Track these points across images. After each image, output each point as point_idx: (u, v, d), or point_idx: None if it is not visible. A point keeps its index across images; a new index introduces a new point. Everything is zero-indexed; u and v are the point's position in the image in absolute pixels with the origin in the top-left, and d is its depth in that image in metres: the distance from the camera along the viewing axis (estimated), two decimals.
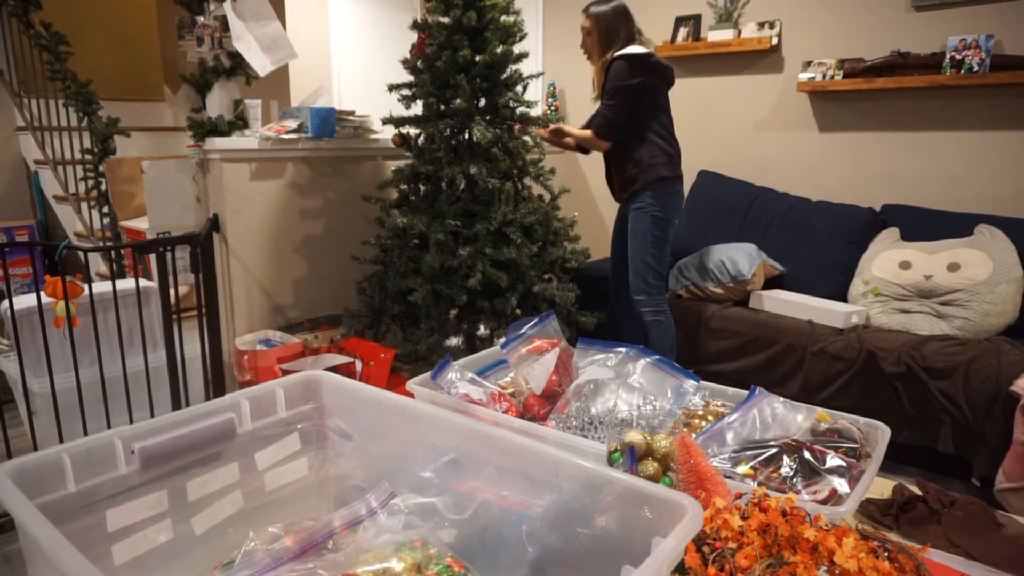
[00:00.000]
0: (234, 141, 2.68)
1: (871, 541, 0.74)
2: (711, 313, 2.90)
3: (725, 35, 3.45)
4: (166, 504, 0.80)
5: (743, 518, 0.75)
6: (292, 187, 2.92)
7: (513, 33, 2.67)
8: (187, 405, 1.85)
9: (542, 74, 3.07)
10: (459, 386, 1.14)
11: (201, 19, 2.66)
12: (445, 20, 2.63)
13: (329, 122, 2.83)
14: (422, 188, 2.83)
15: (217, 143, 2.65)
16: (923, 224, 2.84)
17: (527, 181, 2.88)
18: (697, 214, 3.43)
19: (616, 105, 2.61)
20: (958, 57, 2.80)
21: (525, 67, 2.75)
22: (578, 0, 4.07)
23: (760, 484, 0.94)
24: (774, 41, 3.34)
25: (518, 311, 2.68)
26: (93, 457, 0.77)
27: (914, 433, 2.40)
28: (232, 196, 2.72)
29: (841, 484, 0.93)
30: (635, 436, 0.90)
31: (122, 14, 4.65)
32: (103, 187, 3.09)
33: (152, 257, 2.20)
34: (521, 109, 2.75)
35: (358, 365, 2.59)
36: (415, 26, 2.76)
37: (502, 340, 1.24)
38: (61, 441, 2.06)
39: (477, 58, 2.61)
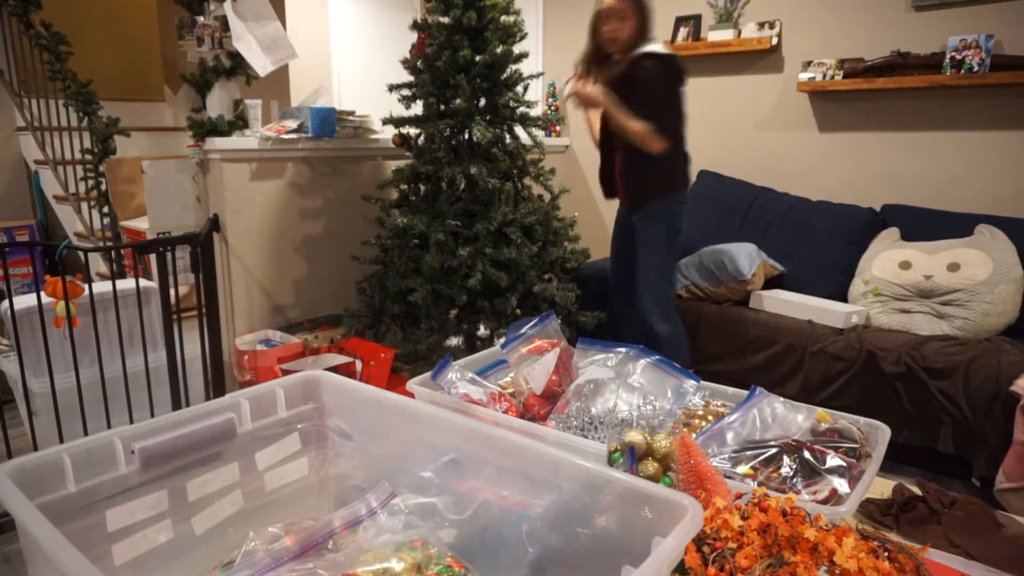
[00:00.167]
0: (234, 141, 2.68)
1: (871, 541, 0.74)
2: (711, 313, 2.90)
3: (725, 35, 3.45)
4: (166, 504, 0.80)
5: (743, 518, 0.75)
6: (292, 187, 2.92)
7: (513, 33, 2.67)
8: (187, 405, 1.85)
9: (542, 74, 3.07)
10: (459, 386, 1.14)
11: (201, 19, 2.66)
12: (445, 20, 2.63)
13: (329, 122, 2.83)
14: (422, 188, 2.83)
15: (217, 143, 2.65)
16: (923, 224, 2.84)
17: (527, 181, 2.88)
18: (697, 214, 3.43)
19: (661, 109, 2.38)
20: (958, 57, 2.80)
21: (525, 67, 2.75)
22: (578, 0, 4.07)
23: (760, 484, 0.94)
24: (774, 41, 3.34)
25: (518, 311, 2.68)
26: (93, 457, 0.77)
27: (914, 433, 2.40)
28: (232, 196, 2.72)
29: (841, 484, 0.93)
30: (635, 436, 0.90)
31: (122, 14, 4.65)
32: (103, 187, 3.09)
33: (152, 257, 2.20)
34: (521, 109, 2.75)
35: (358, 365, 2.59)
36: (415, 26, 2.76)
37: (502, 340, 1.24)
38: (61, 441, 2.06)
39: (477, 58, 2.61)
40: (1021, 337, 2.45)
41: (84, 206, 3.38)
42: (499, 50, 2.58)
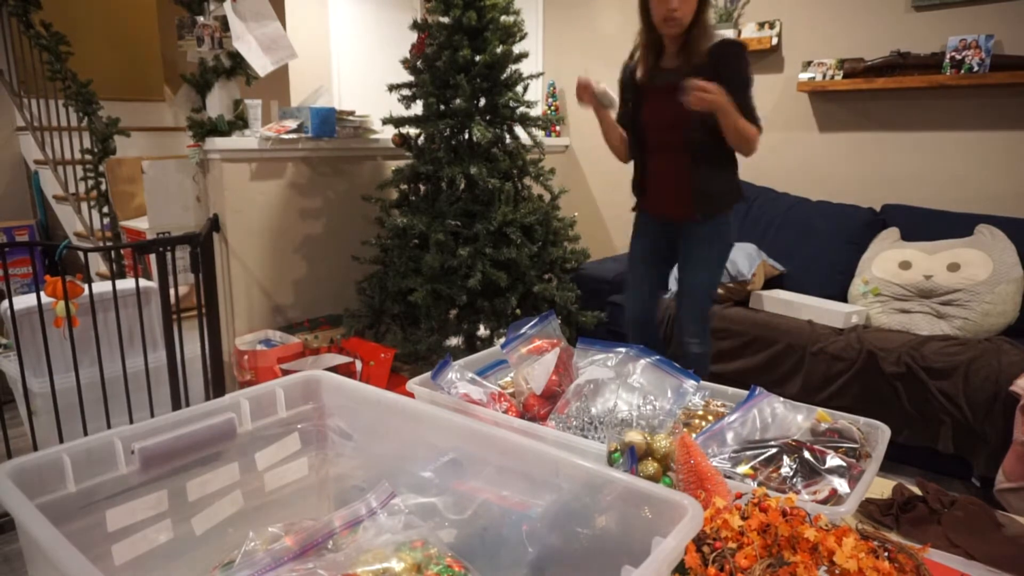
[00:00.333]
0: (234, 141, 2.68)
1: (871, 541, 0.74)
2: (711, 313, 2.89)
3: (725, 35, 3.45)
4: (166, 504, 0.80)
5: (743, 518, 0.75)
6: (292, 187, 2.92)
7: (513, 33, 2.67)
8: (187, 405, 1.85)
9: (542, 74, 3.07)
10: (459, 386, 1.14)
11: (201, 19, 2.66)
12: (445, 20, 2.63)
13: (329, 122, 2.83)
14: (422, 188, 2.83)
15: (217, 143, 2.65)
16: (923, 224, 2.84)
17: (527, 181, 2.88)
18: None
19: (754, 105, 2.06)
20: (958, 57, 2.80)
21: (525, 67, 2.76)
22: (578, 0, 4.07)
23: (760, 484, 0.94)
24: (774, 41, 3.34)
25: (518, 311, 2.68)
26: (93, 457, 0.77)
27: (914, 433, 2.40)
28: (232, 196, 2.72)
29: (841, 484, 0.93)
30: (635, 436, 0.90)
31: (122, 14, 4.65)
32: (103, 187, 3.09)
33: (152, 257, 2.20)
34: (521, 109, 2.75)
35: (358, 365, 2.59)
36: (415, 26, 2.76)
37: (502, 340, 1.24)
38: (61, 441, 2.06)
39: (477, 58, 2.61)
40: (1021, 337, 2.45)
41: (84, 206, 3.38)
42: (499, 50, 2.58)
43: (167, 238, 2.19)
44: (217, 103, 2.75)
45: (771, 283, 3.04)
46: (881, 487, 1.17)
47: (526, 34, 2.74)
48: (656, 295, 2.43)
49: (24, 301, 2.24)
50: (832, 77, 3.14)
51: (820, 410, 1.11)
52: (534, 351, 1.20)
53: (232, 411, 0.89)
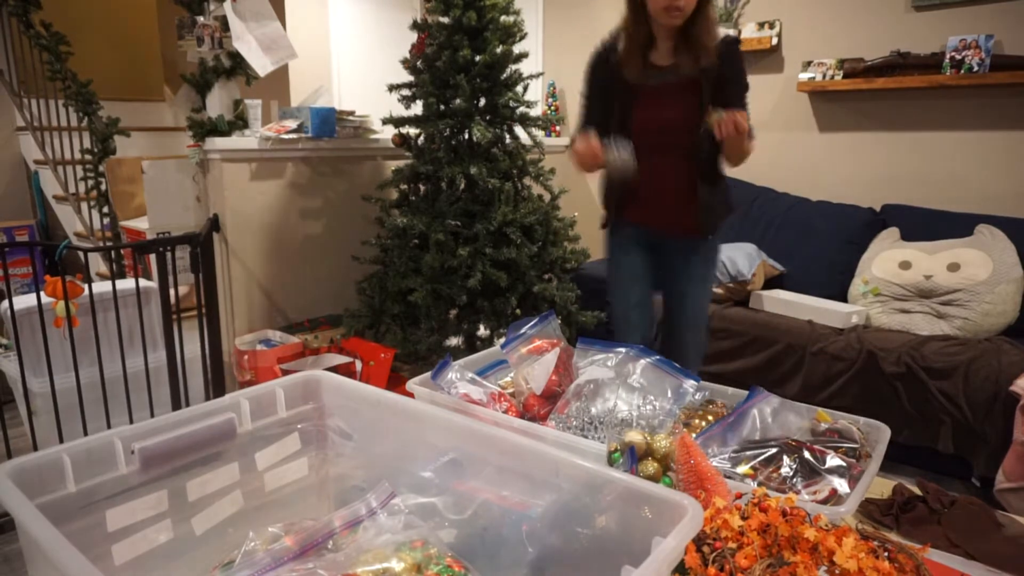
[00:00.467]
0: (234, 141, 2.68)
1: (871, 541, 0.74)
2: (711, 313, 2.89)
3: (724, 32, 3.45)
4: (166, 504, 0.80)
5: (743, 518, 0.75)
6: (292, 187, 2.92)
7: (513, 33, 2.67)
8: (187, 405, 1.85)
9: (542, 74, 3.07)
10: (459, 386, 1.14)
11: (201, 19, 2.66)
12: (445, 20, 2.63)
13: (329, 122, 2.83)
14: (422, 188, 2.83)
15: (217, 143, 2.65)
16: (923, 224, 2.84)
17: (527, 181, 2.88)
18: None
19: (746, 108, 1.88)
20: (958, 57, 2.80)
21: (525, 67, 2.75)
22: (578, 0, 4.07)
23: (760, 484, 0.94)
24: (774, 41, 3.34)
25: (518, 311, 2.68)
26: (93, 457, 0.77)
27: (914, 433, 2.40)
28: (232, 196, 2.72)
29: (841, 484, 0.93)
30: (635, 436, 0.90)
31: (122, 14, 4.65)
32: (103, 187, 3.09)
33: (152, 257, 2.20)
34: (521, 109, 2.75)
35: (358, 365, 2.59)
36: (415, 26, 2.76)
37: (502, 340, 1.24)
38: (61, 441, 2.06)
39: (477, 58, 2.61)
40: (1021, 337, 2.45)
41: (84, 206, 3.38)
42: (499, 50, 2.58)
43: (167, 238, 2.19)
44: (217, 103, 2.75)
45: (771, 283, 3.04)
46: (881, 487, 1.17)
47: (526, 34, 2.74)
48: (648, 309, 2.13)
49: (24, 301, 2.24)
50: (832, 77, 3.14)
51: (820, 410, 1.11)
52: (534, 351, 1.20)
53: (232, 411, 0.89)
